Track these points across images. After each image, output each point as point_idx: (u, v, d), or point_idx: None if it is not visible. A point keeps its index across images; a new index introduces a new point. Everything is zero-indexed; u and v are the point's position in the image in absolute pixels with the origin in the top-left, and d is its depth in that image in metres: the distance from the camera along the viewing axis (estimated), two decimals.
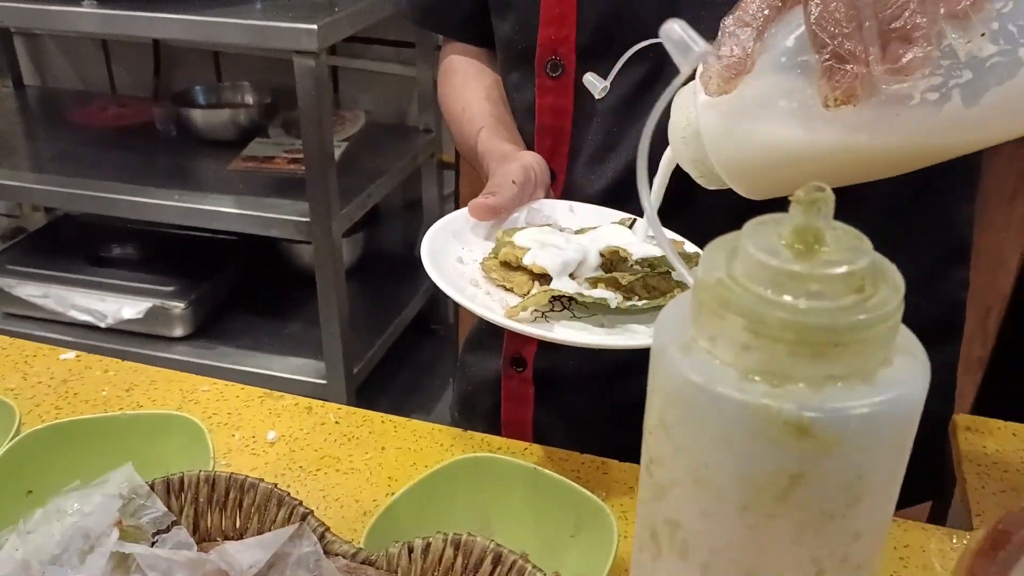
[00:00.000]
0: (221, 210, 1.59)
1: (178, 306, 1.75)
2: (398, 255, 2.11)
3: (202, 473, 0.45)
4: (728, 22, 0.41)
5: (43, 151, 1.90)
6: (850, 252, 0.27)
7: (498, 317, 0.50)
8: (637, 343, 0.50)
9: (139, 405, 0.65)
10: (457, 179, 1.80)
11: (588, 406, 0.75)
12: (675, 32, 0.35)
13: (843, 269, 0.26)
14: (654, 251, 0.55)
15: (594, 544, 0.48)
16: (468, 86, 0.79)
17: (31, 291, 1.81)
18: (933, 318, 0.74)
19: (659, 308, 0.50)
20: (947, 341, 0.76)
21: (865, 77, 0.37)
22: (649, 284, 0.54)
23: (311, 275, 1.62)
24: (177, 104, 1.86)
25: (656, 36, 0.48)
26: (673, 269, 0.53)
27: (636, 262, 0.54)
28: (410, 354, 2.02)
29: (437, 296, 2.04)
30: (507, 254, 0.55)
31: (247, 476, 0.45)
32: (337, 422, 0.64)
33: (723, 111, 0.43)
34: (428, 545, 0.42)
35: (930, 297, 0.73)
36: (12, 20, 1.78)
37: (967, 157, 0.45)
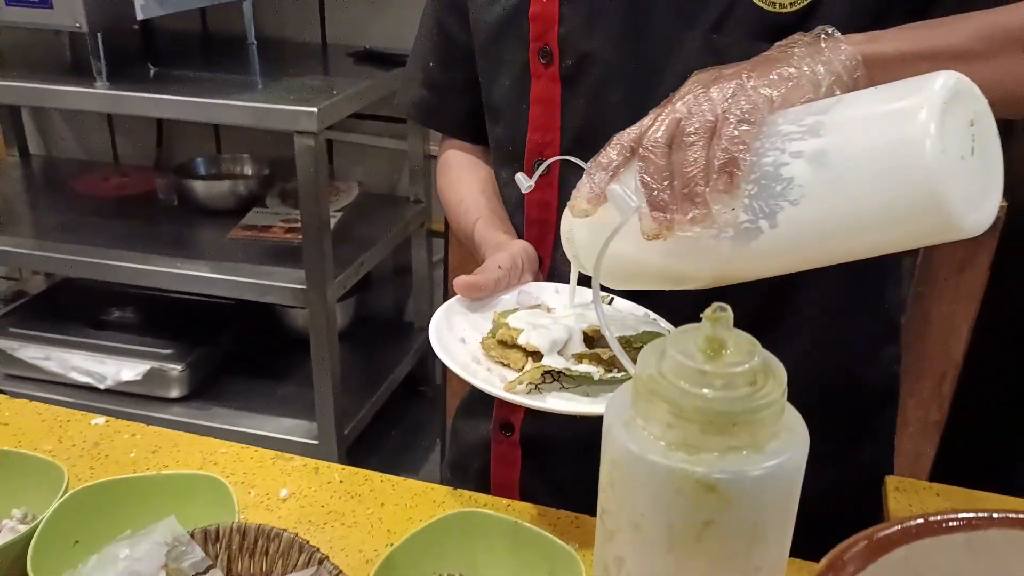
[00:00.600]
0: (220, 277, 1.67)
1: (175, 368, 1.82)
2: (388, 319, 2.20)
3: (234, 524, 0.54)
4: (590, 165, 0.56)
5: (46, 218, 1.98)
6: (746, 354, 0.36)
7: (499, 391, 0.59)
8: None
9: (164, 465, 0.73)
10: (446, 247, 1.91)
11: (569, 468, 0.82)
12: (616, 191, 0.45)
13: (741, 368, 0.36)
14: (630, 331, 0.64)
15: None
16: (463, 179, 0.88)
17: (33, 353, 1.88)
18: (874, 389, 0.84)
19: None
20: (887, 407, 0.86)
21: (670, 222, 0.50)
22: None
23: (305, 338, 1.70)
24: (179, 175, 1.95)
25: None
26: (622, 367, 0.64)
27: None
28: (399, 415, 2.09)
29: (426, 358, 2.12)
30: (503, 334, 0.64)
31: (273, 527, 0.53)
32: (341, 481, 0.73)
33: (587, 227, 0.59)
34: None
35: (871, 371, 0.82)
36: (25, 99, 1.89)
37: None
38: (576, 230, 0.62)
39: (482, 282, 0.70)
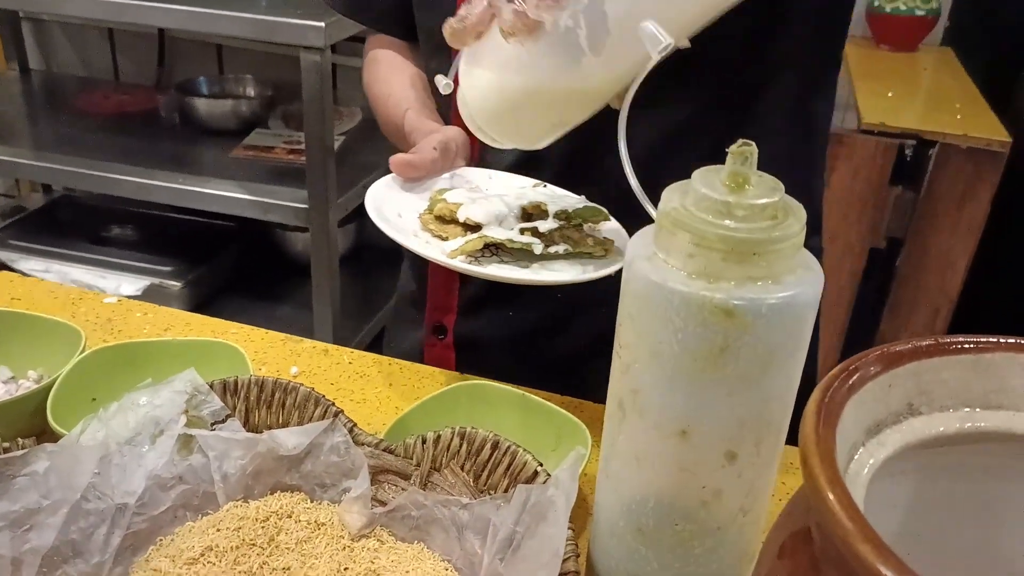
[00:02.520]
0: (223, 194, 1.67)
1: (175, 285, 1.83)
2: (388, 247, 2.18)
3: (251, 377, 0.55)
4: None
5: (45, 132, 1.97)
6: (768, 191, 0.37)
7: (442, 258, 0.60)
8: (559, 279, 0.60)
9: None
10: None
11: (507, 368, 0.80)
12: (648, 28, 0.45)
13: (762, 201, 0.37)
14: (569, 205, 0.65)
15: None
16: (392, 75, 0.86)
17: (33, 265, 1.88)
18: None
19: (575, 255, 0.62)
20: None
21: (522, 13, 0.51)
22: (565, 234, 0.64)
23: (304, 264, 1.70)
24: (181, 93, 1.94)
25: None
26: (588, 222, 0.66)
27: (554, 215, 0.65)
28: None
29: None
30: (441, 209, 0.65)
31: (289, 380, 0.55)
32: (350, 362, 0.74)
33: (466, 62, 0.59)
34: (439, 436, 0.52)
35: None
36: (20, 4, 1.86)
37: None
38: (462, 79, 0.61)
39: (417, 161, 0.69)
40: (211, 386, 0.54)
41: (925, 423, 0.33)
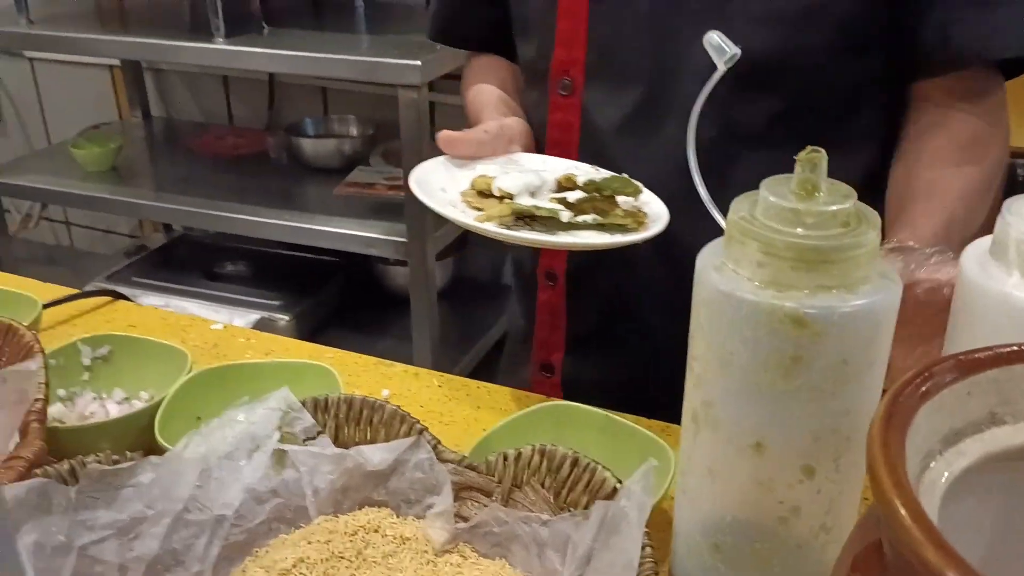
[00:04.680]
0: (327, 229, 1.74)
1: (284, 318, 1.90)
2: (485, 281, 2.24)
3: (341, 395, 0.57)
4: None
5: (165, 175, 2.10)
6: (840, 198, 0.37)
7: (470, 221, 0.61)
8: (580, 241, 0.61)
9: None
10: None
11: (611, 408, 0.83)
12: (713, 40, 0.46)
13: (832, 208, 0.36)
14: (600, 175, 0.65)
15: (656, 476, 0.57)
16: (485, 77, 0.88)
17: (153, 300, 1.99)
18: None
19: (606, 226, 0.61)
20: None
21: None
22: (596, 205, 0.64)
23: (404, 296, 1.75)
24: (288, 134, 2.04)
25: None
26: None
27: (583, 185, 0.65)
28: (494, 376, 2.12)
29: None
30: (479, 182, 0.66)
31: (376, 399, 0.57)
32: (440, 386, 0.76)
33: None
34: (519, 454, 0.53)
35: None
36: (148, 55, 2.00)
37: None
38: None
39: (460, 137, 0.71)
40: (303, 404, 0.57)
41: (1010, 433, 0.31)
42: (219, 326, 0.84)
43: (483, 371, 2.03)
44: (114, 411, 0.68)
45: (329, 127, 2.14)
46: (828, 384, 0.37)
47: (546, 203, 0.64)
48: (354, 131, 2.13)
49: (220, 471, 0.54)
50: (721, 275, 0.38)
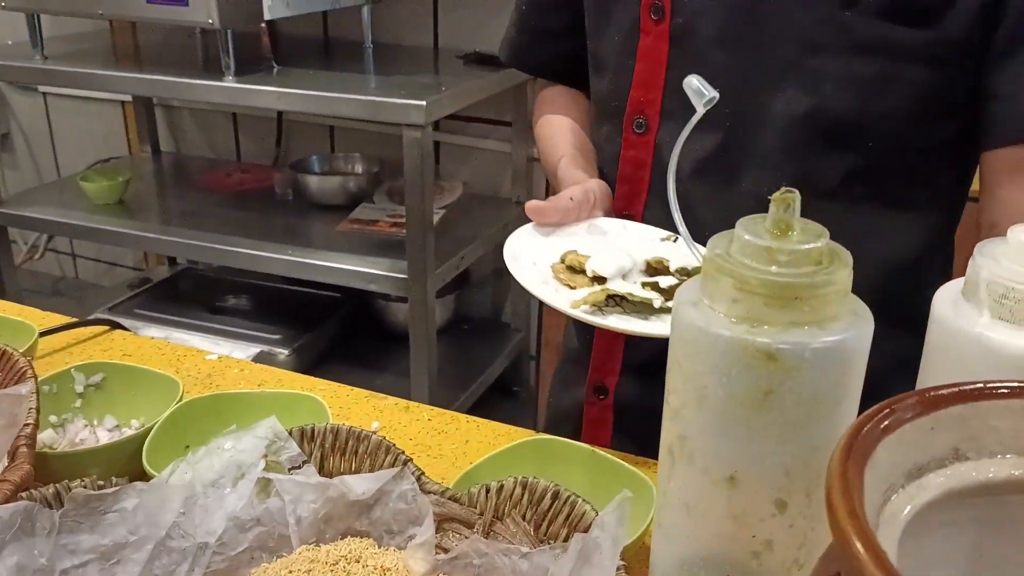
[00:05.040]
0: (329, 265, 1.75)
1: (283, 352, 1.91)
2: (486, 319, 2.24)
3: (328, 425, 0.58)
4: None
5: (171, 209, 2.12)
6: (813, 237, 0.38)
7: (564, 307, 0.62)
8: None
9: None
10: None
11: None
12: (692, 83, 0.47)
13: (806, 247, 0.37)
14: (691, 262, 0.66)
15: (637, 511, 0.58)
16: (558, 117, 0.90)
17: (154, 332, 2.00)
18: None
19: None
20: None
21: None
22: None
23: (404, 333, 1.75)
24: (294, 171, 2.06)
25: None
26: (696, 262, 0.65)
27: (675, 271, 0.66)
28: (490, 414, 2.11)
29: (520, 360, 2.16)
30: (572, 259, 0.68)
31: (363, 429, 0.57)
32: (430, 419, 0.76)
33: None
34: (502, 486, 0.53)
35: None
36: (159, 92, 2.04)
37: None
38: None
39: (548, 208, 0.72)
40: (290, 433, 0.57)
41: (972, 468, 0.32)
42: (214, 357, 0.85)
43: (481, 408, 2.03)
44: (104, 438, 0.69)
45: (335, 164, 2.17)
46: (799, 419, 0.37)
47: (639, 289, 0.66)
48: (359, 168, 2.15)
49: (205, 499, 0.54)
50: (697, 311, 0.39)
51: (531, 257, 0.70)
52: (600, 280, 0.66)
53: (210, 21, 1.63)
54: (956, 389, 0.32)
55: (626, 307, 0.65)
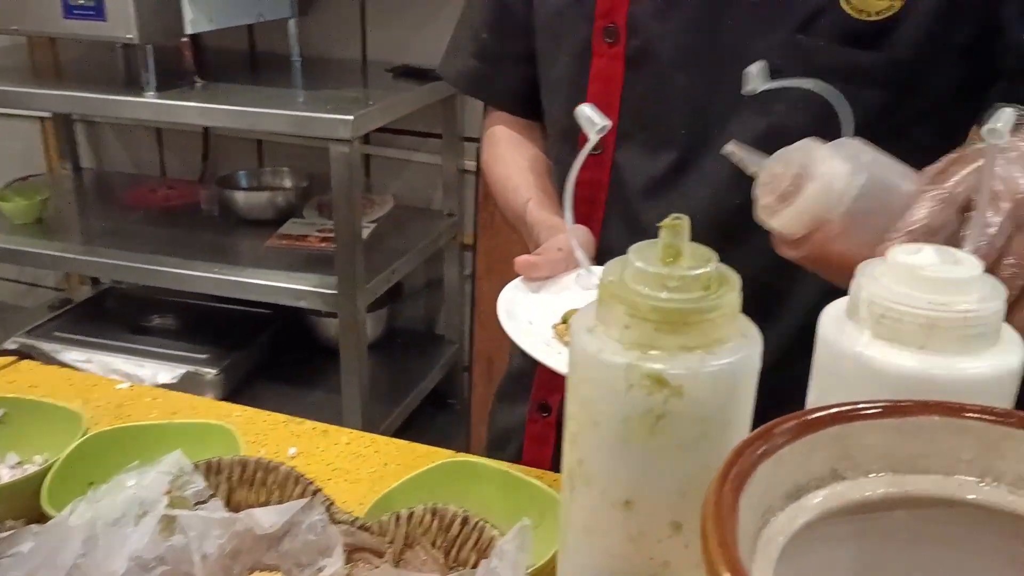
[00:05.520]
0: (256, 282, 1.72)
1: (210, 372, 1.87)
2: (420, 331, 2.23)
3: (235, 457, 0.56)
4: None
5: (93, 228, 2.06)
6: (701, 262, 0.38)
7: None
8: None
9: None
10: (474, 260, 1.94)
11: None
12: (584, 112, 0.47)
13: (694, 272, 0.38)
14: None
15: (552, 532, 0.58)
16: (511, 155, 0.89)
17: (76, 356, 1.94)
18: None
19: None
20: None
21: None
22: None
23: (336, 348, 1.73)
24: (221, 186, 2.02)
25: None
26: None
27: None
28: (425, 426, 2.11)
29: (454, 371, 2.15)
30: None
31: (271, 460, 0.56)
32: (348, 443, 0.75)
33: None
34: (411, 513, 0.53)
35: None
36: (79, 108, 1.99)
37: None
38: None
39: (542, 263, 0.71)
40: (195, 466, 0.56)
41: (850, 487, 0.32)
42: (125, 385, 0.83)
43: (415, 422, 2.02)
44: (6, 476, 0.66)
45: (263, 179, 2.14)
46: (692, 441, 0.38)
47: None
48: (288, 183, 2.12)
49: (106, 538, 0.52)
50: (592, 336, 0.39)
51: (526, 316, 0.67)
52: None
53: (129, 36, 1.60)
54: (831, 411, 0.33)
55: None
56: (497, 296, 0.70)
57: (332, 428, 0.77)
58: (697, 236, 0.64)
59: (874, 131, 0.69)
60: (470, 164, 2.01)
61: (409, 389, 1.99)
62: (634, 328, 0.38)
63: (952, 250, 0.40)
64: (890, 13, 0.66)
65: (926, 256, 0.40)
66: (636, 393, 0.37)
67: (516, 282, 0.71)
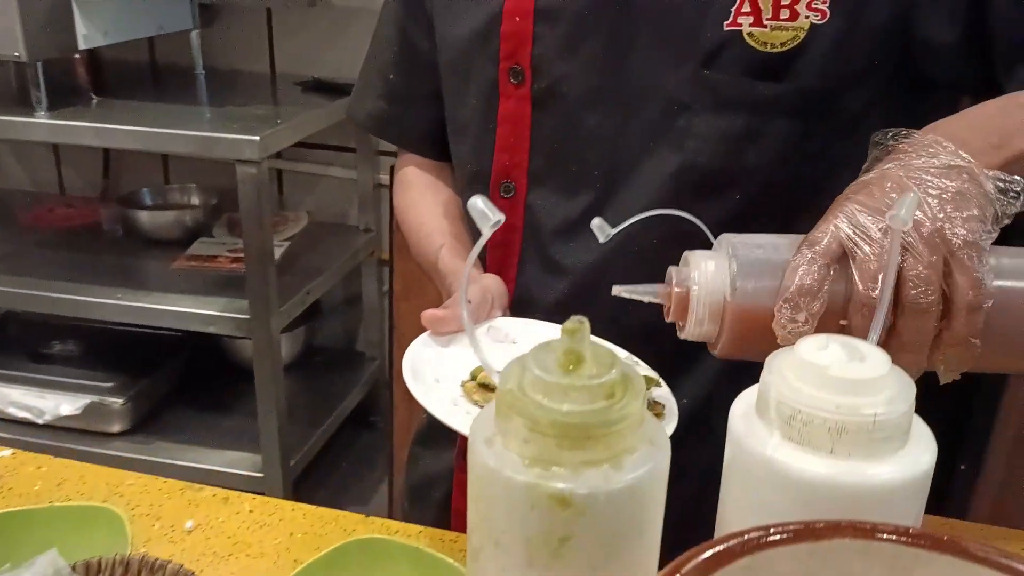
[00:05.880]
0: (163, 308, 1.65)
1: (117, 402, 1.78)
2: (339, 349, 2.18)
3: (117, 556, 0.52)
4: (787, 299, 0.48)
5: None
6: (605, 367, 0.36)
7: None
8: None
9: (68, 498, 0.71)
10: (391, 276, 1.90)
11: None
12: (477, 205, 0.45)
13: (597, 381, 0.35)
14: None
15: None
16: (424, 200, 0.86)
17: None
18: None
19: None
20: None
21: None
22: None
23: (251, 370, 1.67)
24: (124, 206, 1.93)
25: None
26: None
27: None
28: (348, 446, 2.06)
29: (376, 389, 2.11)
30: (484, 377, 0.62)
31: (157, 558, 0.52)
32: (251, 511, 0.71)
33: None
34: None
35: None
36: None
37: None
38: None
39: (450, 317, 0.67)
40: (74, 568, 0.52)
41: None
42: (7, 453, 0.77)
43: (338, 442, 1.97)
44: None
45: (169, 197, 2.05)
46: (600, 560, 0.36)
47: None
48: (196, 200, 2.04)
49: None
50: (490, 449, 0.36)
51: (433, 374, 0.63)
52: None
53: (16, 54, 1.50)
54: (742, 539, 0.31)
55: None
56: (416, 315, 0.66)
57: (233, 494, 0.73)
58: (616, 276, 0.63)
59: (789, 158, 0.69)
60: (385, 179, 1.96)
61: (330, 410, 1.94)
62: (534, 443, 0.35)
63: (858, 343, 0.39)
64: (794, 44, 0.65)
65: (832, 353, 0.38)
66: (539, 514, 0.35)
67: (423, 337, 0.68)
